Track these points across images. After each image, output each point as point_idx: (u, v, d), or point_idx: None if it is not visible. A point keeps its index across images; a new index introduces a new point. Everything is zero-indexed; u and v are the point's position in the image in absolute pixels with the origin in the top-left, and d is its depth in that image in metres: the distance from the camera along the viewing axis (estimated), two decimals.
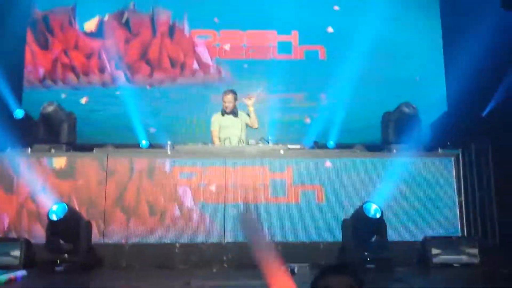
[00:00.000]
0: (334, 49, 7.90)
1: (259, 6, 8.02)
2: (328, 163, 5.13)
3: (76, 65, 7.95)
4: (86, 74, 7.93)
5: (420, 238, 4.68)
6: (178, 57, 8.10)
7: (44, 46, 8.01)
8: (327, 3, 8.11)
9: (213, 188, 5.04)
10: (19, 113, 5.89)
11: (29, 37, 7.99)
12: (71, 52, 8.00)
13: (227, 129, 5.93)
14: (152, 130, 7.25)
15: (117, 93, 7.74)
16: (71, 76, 7.92)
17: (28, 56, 7.94)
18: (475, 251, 4.38)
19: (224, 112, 5.98)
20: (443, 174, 5.16)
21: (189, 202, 5.01)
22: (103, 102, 7.76)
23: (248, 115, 5.98)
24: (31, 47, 7.97)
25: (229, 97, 5.95)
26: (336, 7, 8.04)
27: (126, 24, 8.12)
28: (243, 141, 5.81)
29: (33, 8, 8.01)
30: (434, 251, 4.40)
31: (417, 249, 4.68)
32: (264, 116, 7.34)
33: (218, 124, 5.99)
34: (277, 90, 7.85)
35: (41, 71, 7.91)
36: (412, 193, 5.05)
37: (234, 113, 5.96)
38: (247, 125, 6.02)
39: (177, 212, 4.98)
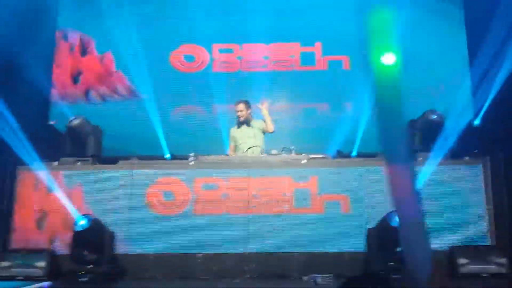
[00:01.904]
0: (359, 58, 7.82)
1: (281, 20, 8.03)
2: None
3: (102, 80, 8.07)
4: (112, 88, 8.04)
5: (448, 247, 4.57)
6: None
7: (72, 61, 8.17)
8: (350, 13, 8.06)
9: (234, 198, 5.03)
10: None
11: (57, 52, 8.16)
12: (98, 66, 8.13)
13: (242, 141, 5.93)
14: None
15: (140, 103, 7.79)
16: (98, 91, 8.05)
17: (56, 70, 8.11)
18: (504, 260, 4.23)
19: (238, 123, 5.99)
20: (470, 181, 5.05)
21: (212, 213, 5.01)
22: (126, 115, 7.83)
23: (264, 121, 5.96)
24: (58, 61, 8.14)
25: (241, 106, 5.97)
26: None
27: None
28: (262, 150, 5.79)
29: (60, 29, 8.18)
30: (462, 260, 4.28)
31: (444, 258, 4.56)
32: (287, 126, 7.31)
33: (233, 139, 6.02)
34: (300, 100, 7.81)
35: (68, 86, 8.07)
36: (439, 201, 4.94)
37: (247, 122, 5.96)
38: (263, 131, 5.98)
39: (200, 222, 4.99)
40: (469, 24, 7.63)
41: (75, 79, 8.08)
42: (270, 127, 5.95)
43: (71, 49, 8.17)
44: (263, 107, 5.96)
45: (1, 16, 6.55)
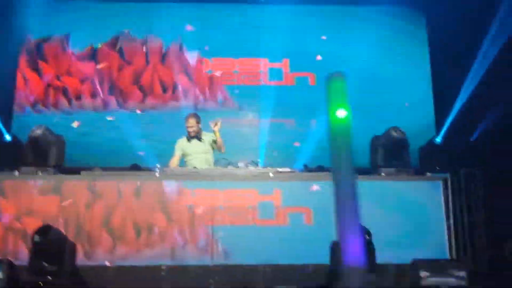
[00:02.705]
0: (324, 75, 7.96)
1: (251, 36, 8.14)
2: (315, 187, 5.13)
3: (69, 90, 7.96)
4: (78, 99, 7.94)
5: (409, 261, 4.64)
6: (170, 81, 8.15)
7: (36, 71, 8.03)
8: (316, 32, 8.24)
9: (199, 210, 5.01)
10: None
11: (22, 62, 8.02)
12: (64, 77, 8.03)
13: (193, 156, 5.83)
14: (141, 153, 7.23)
15: (109, 118, 7.74)
16: (63, 101, 7.92)
17: (19, 81, 7.95)
18: (463, 273, 4.33)
19: (188, 137, 5.89)
20: (431, 197, 5.17)
21: (175, 225, 4.97)
22: (94, 126, 7.73)
23: (214, 141, 5.85)
24: (23, 72, 7.99)
25: (191, 121, 5.84)
26: (324, 37, 8.15)
27: (120, 52, 8.18)
28: (210, 164, 5.75)
29: (27, 35, 8.05)
30: (423, 273, 4.35)
31: (406, 271, 4.63)
32: (254, 140, 7.35)
33: (181, 150, 5.88)
34: (268, 115, 7.88)
35: (33, 96, 7.92)
36: (400, 216, 5.03)
37: (198, 137, 5.85)
38: (212, 146, 5.90)
39: (163, 234, 4.93)
40: (432, 42, 7.88)
41: (45, 89, 7.94)
42: (222, 147, 5.84)
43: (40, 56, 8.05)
44: (216, 128, 5.79)
45: None
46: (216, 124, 5.81)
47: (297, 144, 7.69)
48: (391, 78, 7.71)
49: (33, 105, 7.88)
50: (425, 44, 7.91)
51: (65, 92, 7.96)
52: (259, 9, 8.30)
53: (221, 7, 8.25)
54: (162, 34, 8.18)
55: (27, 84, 7.96)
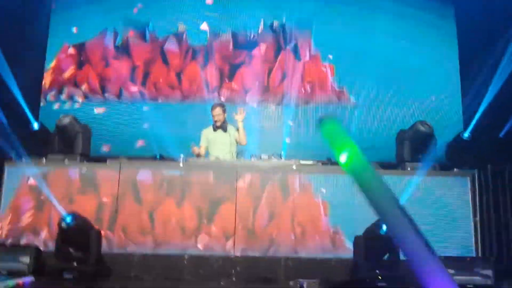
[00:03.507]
0: (349, 68, 7.86)
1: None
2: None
3: (98, 80, 8.03)
4: (107, 90, 7.99)
5: None
6: (196, 75, 8.08)
7: (65, 61, 8.13)
8: (343, 23, 8.09)
9: (223, 202, 5.02)
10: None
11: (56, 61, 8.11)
12: (94, 67, 8.09)
13: (216, 146, 5.81)
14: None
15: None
16: (92, 91, 7.99)
17: (48, 69, 8.06)
18: (489, 272, 4.25)
19: (214, 127, 5.87)
20: (458, 193, 5.08)
21: (200, 215, 4.99)
22: (121, 116, 7.77)
23: (238, 130, 5.79)
24: (51, 61, 8.10)
25: (217, 109, 5.80)
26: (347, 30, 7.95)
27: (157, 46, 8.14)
28: (232, 155, 5.73)
29: (63, 43, 8.11)
30: (448, 271, 4.28)
31: None
32: (278, 134, 7.32)
33: (206, 140, 5.86)
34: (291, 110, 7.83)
35: (61, 85, 8.02)
36: (426, 212, 4.97)
37: (223, 127, 5.82)
38: (236, 141, 5.85)
39: (187, 224, 4.96)
40: (461, 36, 7.71)
41: (74, 80, 8.03)
42: (243, 140, 5.79)
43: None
44: (240, 117, 5.75)
45: None
46: (239, 113, 5.78)
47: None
48: (419, 71, 7.57)
49: (60, 94, 7.97)
50: (453, 36, 7.73)
51: (94, 83, 8.02)
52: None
53: None
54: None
55: (55, 73, 8.05)
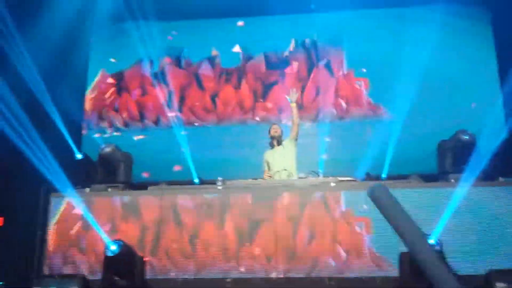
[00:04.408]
0: (384, 79, 7.78)
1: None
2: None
3: (136, 108, 8.24)
4: (146, 117, 8.18)
5: (483, 271, 4.41)
6: (236, 98, 8.18)
7: (104, 89, 8.40)
8: (377, 36, 8.03)
9: (266, 222, 5.01)
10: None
11: (92, 90, 8.40)
12: (132, 95, 8.31)
13: (275, 164, 5.88)
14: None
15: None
16: (131, 119, 8.21)
17: (88, 98, 8.34)
18: None
19: (272, 145, 5.98)
20: (506, 203, 4.88)
21: (240, 237, 4.99)
22: (159, 142, 7.93)
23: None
24: (91, 91, 8.38)
25: (275, 126, 6.05)
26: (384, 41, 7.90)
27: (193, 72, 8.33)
28: (291, 173, 5.74)
29: (101, 70, 8.41)
30: (500, 285, 4.12)
31: (481, 283, 4.40)
32: (313, 151, 7.26)
33: (266, 163, 5.97)
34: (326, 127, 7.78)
35: (101, 114, 8.27)
36: (473, 224, 4.79)
37: (279, 142, 5.94)
38: (293, 144, 5.92)
39: (230, 247, 4.97)
40: (498, 41, 7.52)
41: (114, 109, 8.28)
42: (297, 117, 5.93)
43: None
44: (294, 98, 5.92)
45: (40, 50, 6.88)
46: (293, 93, 5.93)
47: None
48: (457, 79, 7.41)
49: (100, 123, 8.22)
50: (491, 42, 7.55)
51: (132, 110, 8.24)
52: (311, 17, 8.22)
53: (269, 19, 8.23)
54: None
55: (95, 102, 8.32)
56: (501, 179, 5.09)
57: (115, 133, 8.05)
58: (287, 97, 6.01)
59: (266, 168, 5.96)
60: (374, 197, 1.45)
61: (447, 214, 4.73)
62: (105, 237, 4.72)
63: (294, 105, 5.93)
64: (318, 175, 5.49)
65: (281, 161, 5.84)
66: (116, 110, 8.27)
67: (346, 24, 8.00)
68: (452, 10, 7.45)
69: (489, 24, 7.63)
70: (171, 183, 5.83)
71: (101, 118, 8.26)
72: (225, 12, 8.16)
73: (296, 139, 5.94)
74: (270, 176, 5.79)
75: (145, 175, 7.34)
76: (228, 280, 4.81)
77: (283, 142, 5.96)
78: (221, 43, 8.29)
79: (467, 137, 5.34)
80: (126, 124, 8.15)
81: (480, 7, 7.70)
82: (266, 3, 7.86)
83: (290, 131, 5.99)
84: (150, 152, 7.74)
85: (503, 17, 7.26)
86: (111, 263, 4.43)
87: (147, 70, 8.33)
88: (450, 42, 7.54)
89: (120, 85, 8.38)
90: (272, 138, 5.96)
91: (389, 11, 7.99)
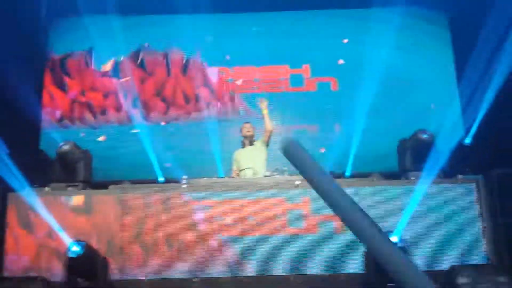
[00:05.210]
0: (346, 80, 7.93)
1: (270, 43, 8.13)
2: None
3: (93, 105, 8.07)
4: (103, 113, 8.03)
5: (445, 267, 4.55)
6: (192, 92, 8.19)
7: (62, 87, 8.17)
8: (337, 36, 8.18)
9: (229, 221, 4.99)
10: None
11: (47, 79, 8.16)
12: (88, 92, 8.14)
13: (244, 163, 5.90)
14: (168, 165, 7.24)
15: (134, 131, 7.76)
16: (88, 116, 8.03)
17: (46, 97, 8.09)
18: (503, 278, 4.22)
19: (243, 144, 5.98)
20: (464, 200, 5.05)
21: (206, 236, 4.95)
22: (120, 140, 7.81)
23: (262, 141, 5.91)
24: (48, 89, 8.14)
25: (248, 125, 6.03)
26: (345, 40, 8.08)
27: (141, 64, 8.26)
28: (256, 172, 5.74)
29: (50, 52, 8.19)
30: (461, 280, 4.26)
31: (443, 278, 4.53)
32: (276, 148, 7.30)
33: (236, 162, 5.99)
34: (290, 122, 7.85)
35: (59, 112, 8.04)
36: (433, 221, 4.93)
37: (251, 142, 5.98)
38: (264, 143, 5.94)
39: (194, 246, 4.92)
40: (456, 43, 7.77)
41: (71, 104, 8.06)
42: (269, 125, 5.91)
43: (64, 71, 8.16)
44: (264, 105, 5.92)
45: None
46: (262, 102, 5.95)
47: (322, 150, 7.62)
48: (416, 80, 7.62)
49: (60, 120, 8.00)
50: (448, 44, 7.81)
51: (90, 106, 8.06)
52: (276, 16, 8.29)
53: (239, 17, 8.27)
54: (182, 45, 8.22)
55: (53, 100, 8.09)
56: (459, 176, 5.26)
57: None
58: (260, 105, 5.98)
59: (234, 166, 5.94)
60: (287, 153, 1.41)
61: (409, 211, 4.85)
62: (66, 238, 4.58)
63: (265, 112, 5.91)
64: (284, 173, 5.50)
65: (250, 160, 5.85)
66: (73, 109, 8.04)
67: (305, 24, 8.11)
68: (411, 12, 7.66)
69: (448, 26, 7.89)
70: (134, 182, 5.72)
71: (59, 113, 8.02)
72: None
73: (267, 145, 5.96)
74: (237, 174, 5.80)
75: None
76: (195, 280, 4.76)
77: (255, 143, 5.96)
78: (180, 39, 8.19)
79: (426, 136, 5.48)
80: (83, 122, 7.96)
81: (438, 10, 7.94)
82: None
83: (263, 135, 6.00)
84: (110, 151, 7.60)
85: (461, 20, 7.51)
86: (73, 265, 4.30)
87: (96, 63, 8.16)
88: (410, 43, 7.75)
89: (78, 80, 8.17)
90: (244, 137, 5.94)
91: (351, 11, 8.12)
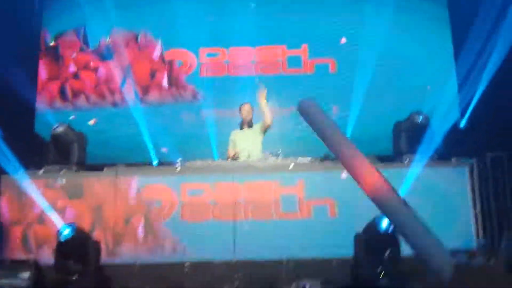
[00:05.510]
0: (345, 61, 7.84)
1: (267, 22, 8.01)
2: (344, 175, 4.99)
3: (86, 86, 8.01)
4: (96, 95, 7.97)
5: None
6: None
7: (55, 69, 8.09)
8: (336, 15, 8.06)
9: (221, 205, 4.98)
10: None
11: (41, 61, 8.09)
12: (81, 72, 8.06)
13: (240, 144, 5.86)
14: (164, 150, 7.22)
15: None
16: (81, 98, 7.98)
17: (40, 79, 8.03)
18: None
19: (241, 125, 5.94)
20: (457, 184, 5.03)
21: (198, 220, 4.96)
22: (113, 122, 7.77)
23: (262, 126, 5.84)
24: (42, 71, 8.07)
25: (247, 106, 5.92)
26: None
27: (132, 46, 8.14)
28: (250, 156, 5.71)
29: (44, 33, 8.09)
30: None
31: None
32: (274, 129, 7.27)
33: (232, 141, 5.95)
34: (287, 104, 7.77)
35: (53, 93, 7.99)
36: (425, 204, 4.86)
37: (249, 125, 5.91)
38: (263, 131, 5.87)
39: (186, 230, 4.93)
40: (454, 24, 7.66)
41: (62, 86, 8.01)
42: (269, 118, 5.77)
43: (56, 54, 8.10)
44: (262, 96, 5.76)
45: None
46: (262, 92, 5.78)
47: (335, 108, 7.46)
48: (412, 61, 7.53)
49: (53, 102, 7.95)
50: (447, 24, 7.68)
51: (83, 89, 8.00)
52: None
53: None
54: (175, 26, 8.05)
55: (47, 82, 8.04)
56: (453, 160, 5.22)
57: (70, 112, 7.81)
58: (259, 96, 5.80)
59: (231, 147, 5.91)
60: (303, 111, 1.43)
61: (401, 194, 4.82)
62: (58, 220, 4.59)
63: (264, 104, 5.75)
64: (278, 156, 5.46)
65: (246, 142, 5.81)
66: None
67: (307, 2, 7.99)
68: None
69: (446, 6, 7.75)
70: (128, 165, 5.70)
71: (55, 95, 7.98)
72: None
73: (265, 132, 5.89)
74: (235, 154, 5.72)
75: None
76: (186, 264, 4.78)
77: (254, 126, 5.91)
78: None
79: (420, 118, 5.43)
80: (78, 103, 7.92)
81: None
82: None
83: (262, 122, 5.88)
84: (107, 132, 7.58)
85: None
86: (64, 248, 4.31)
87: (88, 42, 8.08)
88: (407, 24, 7.65)
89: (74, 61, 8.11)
90: (245, 118, 5.89)
91: None
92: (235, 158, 5.67)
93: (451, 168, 5.15)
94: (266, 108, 5.78)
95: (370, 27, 7.45)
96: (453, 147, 5.67)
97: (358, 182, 1.40)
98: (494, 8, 6.29)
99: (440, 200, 4.93)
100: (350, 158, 1.36)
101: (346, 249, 4.64)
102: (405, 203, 1.34)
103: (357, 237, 4.47)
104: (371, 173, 1.37)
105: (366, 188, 1.41)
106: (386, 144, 5.88)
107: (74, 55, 8.11)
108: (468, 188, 5.00)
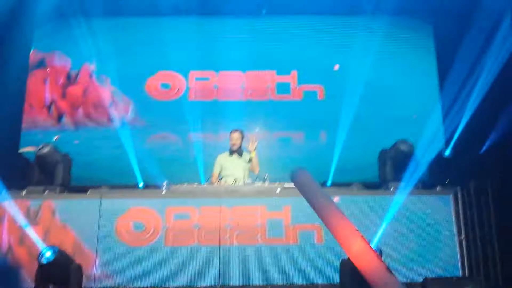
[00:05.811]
0: (333, 88, 7.92)
1: (258, 47, 8.10)
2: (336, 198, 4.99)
3: (71, 107, 7.97)
4: (81, 115, 7.93)
5: (420, 279, 4.54)
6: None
7: (42, 90, 8.05)
8: (327, 44, 8.17)
9: (206, 230, 4.95)
10: None
11: (29, 81, 8.04)
12: (68, 94, 8.04)
13: (227, 170, 5.88)
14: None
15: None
16: (67, 118, 7.92)
17: (27, 99, 7.98)
18: None
19: (230, 152, 5.95)
20: (441, 212, 5.07)
21: (183, 245, 4.91)
22: (98, 143, 7.69)
23: (250, 159, 5.90)
24: (29, 91, 8.01)
25: (237, 134, 5.97)
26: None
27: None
28: (237, 181, 5.71)
29: (33, 52, 8.08)
30: None
31: None
32: (262, 154, 7.29)
33: (220, 166, 5.96)
34: (275, 129, 7.81)
35: (38, 114, 7.93)
36: (410, 231, 4.95)
37: (239, 153, 5.94)
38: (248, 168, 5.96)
39: (170, 255, 4.87)
40: (439, 55, 7.81)
41: (49, 106, 7.96)
42: (256, 168, 5.92)
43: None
44: (252, 148, 5.87)
45: None
46: (252, 142, 5.90)
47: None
48: (399, 90, 7.63)
49: (39, 122, 7.88)
50: (432, 54, 7.84)
51: (68, 109, 7.96)
52: (264, 21, 8.24)
53: (225, 21, 8.20)
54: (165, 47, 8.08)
55: (33, 103, 7.98)
56: (437, 188, 5.27)
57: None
58: (248, 147, 5.91)
59: (217, 170, 5.91)
60: (296, 182, 1.46)
61: (386, 221, 4.86)
62: (39, 243, 4.51)
63: (253, 155, 5.88)
64: (265, 180, 5.47)
65: (234, 169, 5.86)
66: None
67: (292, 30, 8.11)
68: (396, 21, 7.69)
69: (431, 36, 7.92)
70: (113, 187, 5.66)
71: (37, 116, 7.92)
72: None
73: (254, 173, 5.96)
74: (216, 178, 5.75)
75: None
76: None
77: (243, 154, 5.96)
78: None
79: (406, 147, 5.50)
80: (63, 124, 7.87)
81: (423, 19, 7.97)
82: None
83: (252, 168, 5.95)
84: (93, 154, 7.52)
85: (444, 30, 7.54)
86: (46, 271, 4.23)
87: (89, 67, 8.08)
88: (394, 53, 7.79)
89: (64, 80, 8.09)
90: (232, 146, 5.94)
91: (337, 18, 8.14)
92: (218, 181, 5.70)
93: (436, 196, 5.19)
94: (255, 160, 5.90)
95: (358, 56, 7.58)
96: (438, 176, 5.72)
97: (345, 250, 1.44)
98: (479, 40, 6.45)
99: (425, 227, 4.97)
100: (337, 227, 1.40)
101: (332, 276, 4.63)
102: (387, 269, 1.37)
103: (343, 263, 4.45)
104: (358, 244, 1.41)
105: (353, 259, 1.45)
106: (372, 171, 5.91)
107: (61, 77, 8.08)
108: (453, 215, 5.04)
